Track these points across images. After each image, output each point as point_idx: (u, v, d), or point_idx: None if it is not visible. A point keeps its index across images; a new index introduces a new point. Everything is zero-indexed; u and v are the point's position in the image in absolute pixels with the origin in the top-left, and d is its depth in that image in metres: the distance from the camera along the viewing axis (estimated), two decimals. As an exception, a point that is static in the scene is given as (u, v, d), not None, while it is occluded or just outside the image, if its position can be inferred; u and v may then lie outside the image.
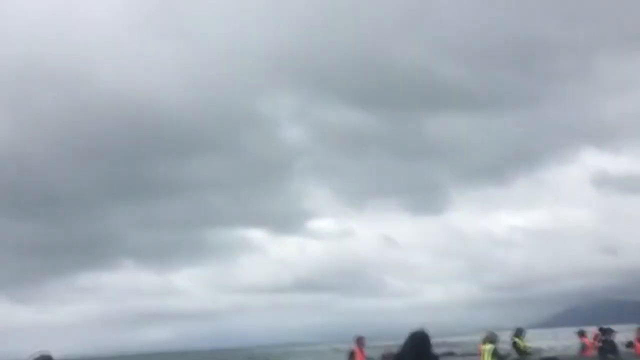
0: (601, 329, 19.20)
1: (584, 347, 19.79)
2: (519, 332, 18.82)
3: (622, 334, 19.77)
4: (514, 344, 18.56)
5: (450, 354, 30.62)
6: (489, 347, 16.90)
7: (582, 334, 20.54)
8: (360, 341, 16.94)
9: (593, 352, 18.78)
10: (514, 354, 18.26)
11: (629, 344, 18.47)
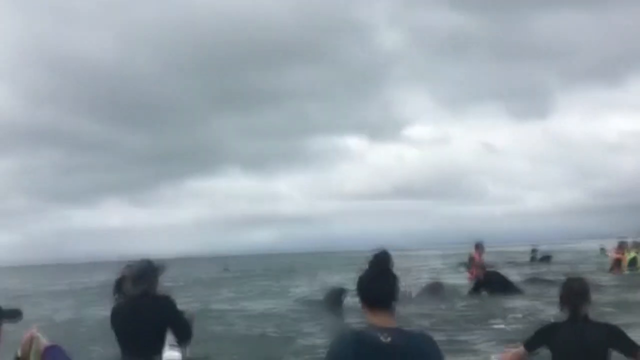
0: None
1: None
2: None
3: None
4: None
5: (547, 257, 29.88)
6: (633, 254, 16.83)
7: None
8: (479, 247, 17.26)
9: None
10: None
11: None
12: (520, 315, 10.43)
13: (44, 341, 3.28)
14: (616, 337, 4.50)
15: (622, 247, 17.71)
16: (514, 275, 19.61)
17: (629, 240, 18.57)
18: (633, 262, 16.91)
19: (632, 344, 4.48)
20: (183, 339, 5.66)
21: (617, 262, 17.17)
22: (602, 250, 36.01)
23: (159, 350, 5.46)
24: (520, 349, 4.81)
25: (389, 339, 3.02)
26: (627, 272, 16.55)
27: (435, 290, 13.67)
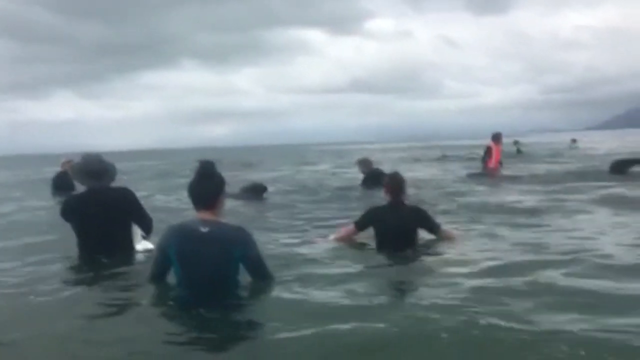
0: None
1: None
2: None
3: None
4: None
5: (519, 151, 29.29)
6: None
7: None
8: (497, 137, 16.57)
9: None
10: None
11: None
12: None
13: None
14: (423, 218, 5.75)
15: None
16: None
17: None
18: None
19: (434, 224, 5.81)
20: (147, 230, 5.55)
21: None
22: (574, 141, 35.34)
23: (127, 242, 5.45)
24: (352, 227, 5.94)
25: (207, 229, 3.87)
26: None
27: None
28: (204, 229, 3.88)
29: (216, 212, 4.00)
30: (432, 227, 5.80)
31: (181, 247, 3.90)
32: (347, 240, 5.99)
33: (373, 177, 12.10)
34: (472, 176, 15.71)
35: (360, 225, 5.85)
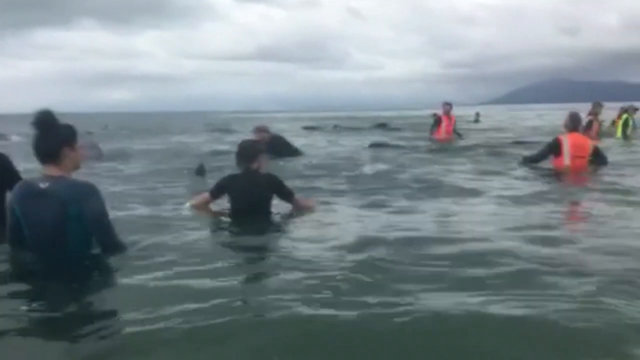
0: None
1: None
2: None
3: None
4: None
5: (383, 125, 30.53)
6: (625, 117, 16.58)
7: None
8: (446, 107, 16.49)
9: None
10: None
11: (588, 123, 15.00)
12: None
13: None
14: (277, 185, 5.80)
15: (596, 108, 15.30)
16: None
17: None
18: (625, 123, 16.07)
19: (288, 191, 5.86)
20: None
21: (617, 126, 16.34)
22: (477, 115, 36.61)
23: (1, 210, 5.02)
24: (206, 195, 5.97)
25: (46, 185, 3.64)
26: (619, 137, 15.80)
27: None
28: (43, 185, 3.66)
29: (62, 166, 3.73)
30: (286, 195, 5.87)
31: (23, 205, 3.70)
32: (202, 208, 5.96)
33: (273, 146, 11.90)
34: (373, 146, 15.84)
35: (215, 193, 5.88)
